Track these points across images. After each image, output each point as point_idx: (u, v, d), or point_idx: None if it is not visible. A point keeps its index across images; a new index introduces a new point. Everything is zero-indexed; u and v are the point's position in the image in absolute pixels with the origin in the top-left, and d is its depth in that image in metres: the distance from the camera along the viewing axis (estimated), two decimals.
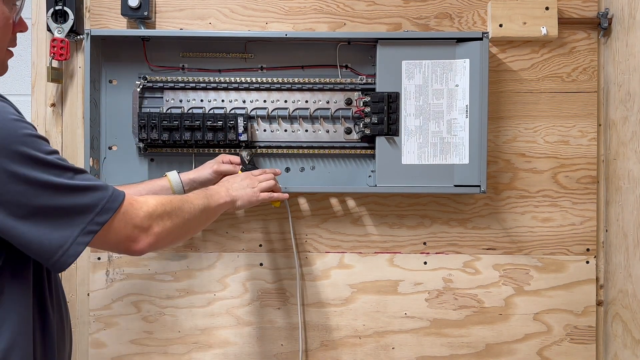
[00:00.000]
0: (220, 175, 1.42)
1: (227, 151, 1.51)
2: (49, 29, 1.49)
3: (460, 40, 1.48)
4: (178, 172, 1.41)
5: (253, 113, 1.53)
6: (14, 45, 1.02)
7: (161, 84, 1.51)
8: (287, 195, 1.42)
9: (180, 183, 1.40)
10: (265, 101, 1.53)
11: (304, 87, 1.53)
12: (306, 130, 1.54)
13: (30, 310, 0.94)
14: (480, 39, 1.46)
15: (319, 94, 1.53)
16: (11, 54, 1.02)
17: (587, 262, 1.57)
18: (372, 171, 1.55)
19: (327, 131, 1.54)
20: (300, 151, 1.54)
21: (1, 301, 0.91)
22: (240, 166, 1.44)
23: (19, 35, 1.02)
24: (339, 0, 1.57)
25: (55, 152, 0.91)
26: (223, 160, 1.44)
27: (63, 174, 0.89)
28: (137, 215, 0.97)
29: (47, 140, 0.91)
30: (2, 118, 0.85)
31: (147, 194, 1.36)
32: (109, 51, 1.53)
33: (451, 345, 1.58)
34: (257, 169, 1.44)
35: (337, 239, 1.58)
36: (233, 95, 1.53)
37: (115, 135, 1.54)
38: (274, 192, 1.38)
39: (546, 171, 1.57)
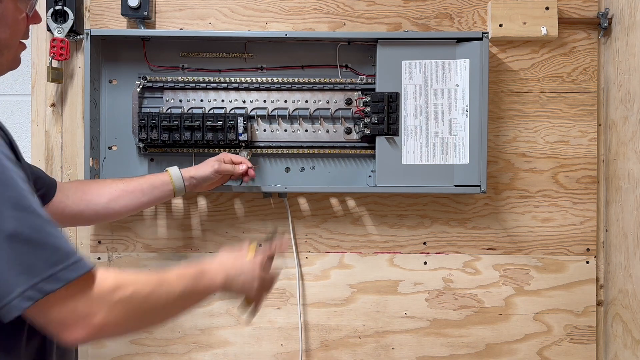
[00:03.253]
0: (220, 175, 1.41)
1: (227, 151, 1.51)
2: (48, 29, 1.49)
3: (460, 40, 1.48)
4: (179, 168, 1.41)
5: (253, 113, 1.53)
6: (27, 37, 1.00)
7: (161, 84, 1.51)
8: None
9: (181, 179, 1.38)
10: (265, 101, 1.53)
11: (304, 87, 1.53)
12: (306, 130, 1.54)
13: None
14: (480, 39, 1.46)
15: (319, 94, 1.53)
16: (24, 47, 1.00)
17: (587, 262, 1.57)
18: (372, 171, 1.55)
19: (327, 131, 1.54)
20: (300, 151, 1.54)
21: None
22: (245, 176, 1.42)
23: None
24: (339, 0, 1.57)
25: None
26: (224, 160, 1.43)
27: (28, 219, 0.76)
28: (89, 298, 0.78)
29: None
30: None
31: (148, 188, 1.35)
32: (109, 51, 1.53)
33: (451, 345, 1.58)
34: (273, 243, 1.18)
35: (337, 239, 1.58)
36: (233, 95, 1.53)
37: (115, 135, 1.54)
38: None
39: (546, 171, 1.57)
